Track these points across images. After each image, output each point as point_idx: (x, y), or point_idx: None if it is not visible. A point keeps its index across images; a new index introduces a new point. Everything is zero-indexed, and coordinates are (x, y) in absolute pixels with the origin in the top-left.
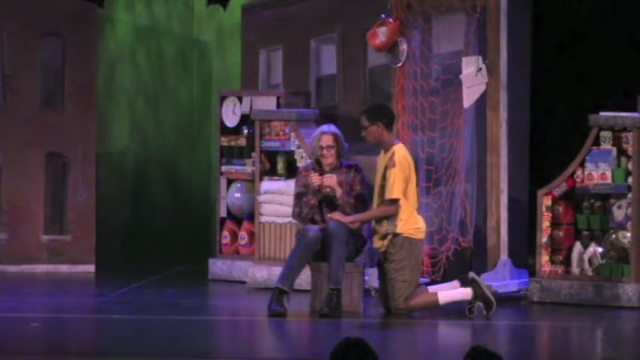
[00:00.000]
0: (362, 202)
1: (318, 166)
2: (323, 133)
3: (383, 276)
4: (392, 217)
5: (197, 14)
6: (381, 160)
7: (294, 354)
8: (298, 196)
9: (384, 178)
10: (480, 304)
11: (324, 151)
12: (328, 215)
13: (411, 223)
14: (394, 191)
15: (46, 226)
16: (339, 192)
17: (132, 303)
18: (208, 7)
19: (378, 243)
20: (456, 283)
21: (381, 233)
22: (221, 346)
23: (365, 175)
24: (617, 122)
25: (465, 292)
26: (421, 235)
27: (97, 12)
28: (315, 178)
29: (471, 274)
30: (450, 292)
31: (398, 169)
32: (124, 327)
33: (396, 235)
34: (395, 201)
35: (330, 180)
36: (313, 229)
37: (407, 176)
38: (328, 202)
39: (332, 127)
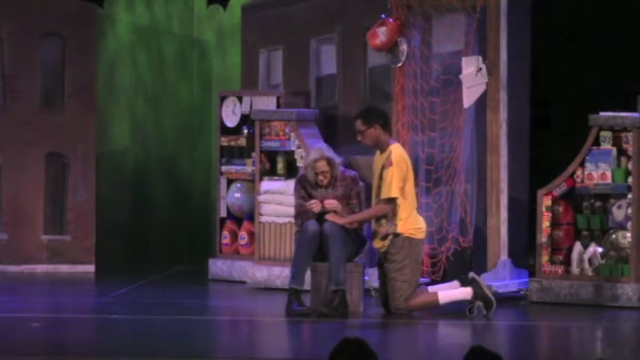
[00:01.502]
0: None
1: (314, 182)
2: (315, 160)
3: (383, 276)
4: (391, 217)
5: (197, 14)
6: (378, 160)
7: (294, 354)
8: (299, 210)
9: (380, 178)
10: (480, 303)
11: (320, 177)
12: (325, 216)
13: (411, 222)
14: (392, 190)
15: (46, 226)
16: (338, 208)
17: (132, 303)
18: (208, 7)
19: (378, 244)
20: (455, 283)
21: (382, 234)
22: (221, 346)
23: (361, 186)
24: (617, 122)
25: (465, 292)
26: (421, 235)
27: (97, 12)
28: (315, 206)
29: (471, 274)
30: (450, 291)
31: (395, 169)
32: (124, 327)
33: (396, 235)
34: (392, 200)
35: (331, 205)
36: (312, 224)
37: (404, 175)
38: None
39: (323, 151)
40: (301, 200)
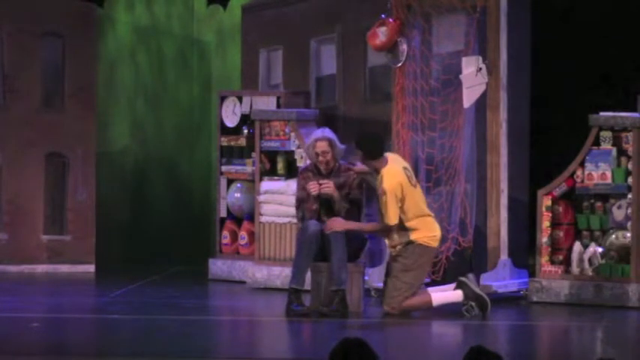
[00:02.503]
0: (357, 206)
1: (316, 169)
2: (317, 139)
3: (387, 274)
4: (399, 230)
5: (197, 14)
6: (377, 184)
7: (294, 354)
8: (300, 200)
9: (379, 200)
10: (473, 303)
11: (320, 157)
12: (324, 225)
13: (426, 230)
14: (387, 218)
15: (46, 226)
16: (336, 196)
17: (132, 303)
18: (208, 7)
19: (391, 248)
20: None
21: (396, 242)
22: (221, 346)
23: (364, 178)
24: (617, 122)
25: (457, 295)
26: (435, 244)
27: (97, 12)
28: (313, 187)
29: (470, 276)
30: (443, 294)
31: (388, 197)
32: (124, 327)
33: (410, 242)
34: (391, 227)
35: (328, 188)
36: (313, 224)
37: (400, 198)
38: (327, 208)
39: (325, 132)
40: (302, 191)
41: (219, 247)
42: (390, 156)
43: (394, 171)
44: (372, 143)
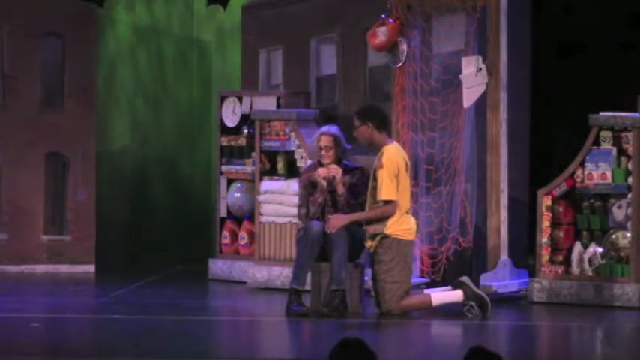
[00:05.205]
0: (360, 204)
1: (320, 167)
2: (322, 134)
3: (374, 279)
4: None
5: (197, 14)
6: (376, 161)
7: (294, 354)
8: (302, 198)
9: (374, 179)
10: (473, 303)
11: (323, 152)
12: (327, 224)
13: (400, 224)
14: (382, 193)
15: (46, 226)
16: (340, 189)
17: (132, 303)
18: (208, 7)
19: (368, 243)
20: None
21: (370, 233)
22: (221, 346)
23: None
24: (617, 122)
25: (457, 294)
26: (411, 236)
27: (97, 12)
28: (322, 171)
29: (465, 277)
30: (443, 293)
31: (384, 171)
32: (124, 327)
33: (384, 236)
34: (389, 202)
35: (337, 171)
36: (316, 224)
37: (395, 176)
38: (332, 202)
39: (332, 129)
40: (305, 189)
41: (219, 247)
42: (394, 142)
43: (395, 150)
44: (381, 113)
